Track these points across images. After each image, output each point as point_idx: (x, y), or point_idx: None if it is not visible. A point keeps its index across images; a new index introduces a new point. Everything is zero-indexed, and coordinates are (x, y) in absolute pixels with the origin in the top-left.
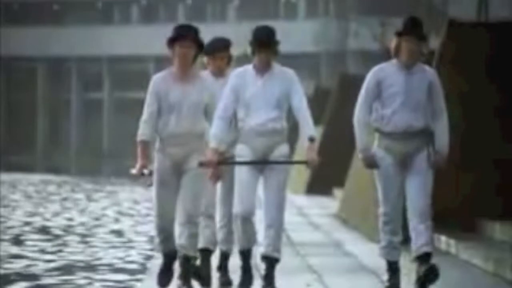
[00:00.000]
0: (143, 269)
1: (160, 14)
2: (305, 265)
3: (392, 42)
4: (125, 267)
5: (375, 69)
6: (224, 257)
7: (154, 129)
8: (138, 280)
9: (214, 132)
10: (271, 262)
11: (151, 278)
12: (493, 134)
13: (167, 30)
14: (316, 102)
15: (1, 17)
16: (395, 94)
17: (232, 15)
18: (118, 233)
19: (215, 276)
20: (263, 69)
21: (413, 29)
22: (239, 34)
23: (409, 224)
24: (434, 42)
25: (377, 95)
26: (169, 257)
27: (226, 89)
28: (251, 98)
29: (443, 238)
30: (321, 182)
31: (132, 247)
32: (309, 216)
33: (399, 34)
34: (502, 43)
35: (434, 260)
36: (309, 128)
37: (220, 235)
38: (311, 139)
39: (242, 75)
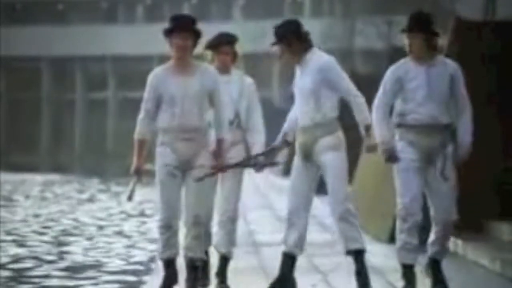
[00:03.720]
0: (147, 270)
1: (164, 13)
2: (311, 266)
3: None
4: (130, 268)
5: (393, 67)
6: (224, 261)
7: (151, 127)
8: (142, 281)
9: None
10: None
11: (156, 279)
12: (498, 134)
13: None
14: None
15: (5, 17)
16: (418, 87)
17: (237, 14)
18: (123, 233)
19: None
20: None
21: (416, 24)
22: (244, 33)
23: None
24: (441, 41)
25: (397, 92)
26: (170, 264)
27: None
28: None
29: (450, 238)
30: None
31: (136, 248)
32: (317, 217)
33: (405, 31)
34: (509, 42)
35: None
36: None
37: (218, 238)
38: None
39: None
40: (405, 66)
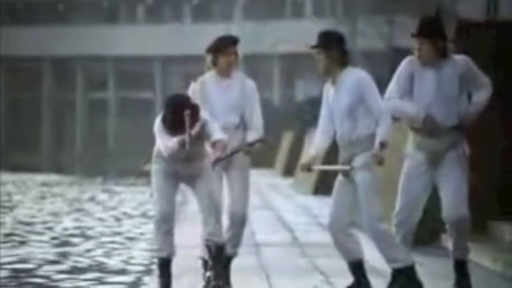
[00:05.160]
0: (147, 271)
1: (165, 14)
2: (313, 266)
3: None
4: (130, 269)
5: (409, 59)
6: (228, 261)
7: None
8: (142, 281)
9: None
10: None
11: (156, 280)
12: (499, 133)
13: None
14: None
15: (5, 17)
16: (425, 91)
17: (238, 15)
18: (123, 234)
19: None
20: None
21: (425, 29)
22: (245, 33)
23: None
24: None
25: (408, 88)
26: (165, 263)
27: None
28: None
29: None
30: (328, 183)
31: (136, 249)
32: (317, 217)
33: (414, 35)
34: (511, 43)
35: (442, 262)
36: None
37: (225, 238)
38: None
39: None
40: (417, 64)
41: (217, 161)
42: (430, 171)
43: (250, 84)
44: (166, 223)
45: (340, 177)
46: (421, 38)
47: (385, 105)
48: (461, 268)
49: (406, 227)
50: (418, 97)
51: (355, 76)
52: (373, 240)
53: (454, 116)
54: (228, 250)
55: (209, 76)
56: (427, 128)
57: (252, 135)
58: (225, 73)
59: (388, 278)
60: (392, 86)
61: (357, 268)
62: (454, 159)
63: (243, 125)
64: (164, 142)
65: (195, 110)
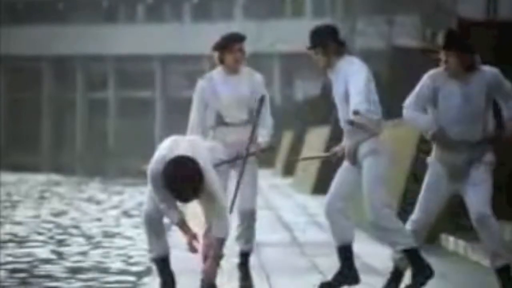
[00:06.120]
0: (147, 271)
1: (165, 13)
2: (312, 266)
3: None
4: (130, 269)
5: (433, 73)
6: (245, 257)
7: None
8: (142, 281)
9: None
10: None
11: (156, 279)
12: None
13: (173, 29)
14: (324, 101)
15: (5, 16)
16: (450, 108)
17: (239, 14)
18: (123, 234)
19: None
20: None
21: (447, 41)
22: (245, 32)
23: None
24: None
25: (431, 100)
26: (164, 265)
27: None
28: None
29: (451, 238)
30: (327, 182)
31: (136, 249)
32: (316, 216)
33: (441, 48)
34: (511, 42)
35: (442, 262)
36: None
37: (237, 233)
38: None
39: None
40: (443, 78)
41: (222, 163)
42: (451, 184)
43: (258, 78)
44: (153, 224)
45: (345, 163)
46: (448, 50)
47: (403, 113)
48: (506, 276)
49: (420, 235)
50: (444, 111)
51: (348, 64)
52: (375, 228)
53: (479, 131)
54: (242, 246)
55: (217, 73)
56: (438, 142)
57: (263, 135)
58: (232, 70)
59: (386, 276)
60: (411, 98)
61: (346, 252)
62: (477, 170)
63: (253, 120)
64: (161, 199)
65: (197, 178)
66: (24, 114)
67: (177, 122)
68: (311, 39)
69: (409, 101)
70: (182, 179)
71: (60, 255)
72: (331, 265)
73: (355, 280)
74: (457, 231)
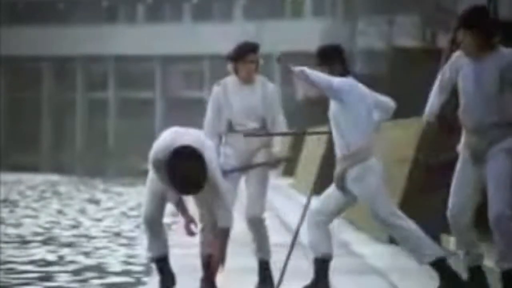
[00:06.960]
0: (147, 271)
1: (165, 13)
2: (312, 266)
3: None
4: (130, 269)
5: (457, 53)
6: (265, 264)
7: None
8: (142, 282)
9: None
10: None
11: (156, 280)
12: None
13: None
14: (323, 101)
15: (5, 17)
16: (465, 90)
17: (238, 14)
18: (123, 234)
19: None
20: None
21: (462, 20)
22: (245, 33)
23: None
24: (443, 41)
25: (454, 80)
26: (163, 264)
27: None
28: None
29: (452, 239)
30: (328, 183)
31: (136, 249)
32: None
33: (458, 27)
34: (511, 42)
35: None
36: None
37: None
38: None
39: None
40: (461, 60)
41: (233, 170)
42: (477, 168)
43: (271, 88)
44: (153, 224)
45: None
46: (463, 29)
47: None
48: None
49: (460, 224)
50: (461, 93)
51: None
52: (392, 232)
53: (495, 113)
54: (256, 254)
55: (231, 81)
56: (463, 126)
57: (279, 145)
58: (246, 79)
59: (387, 277)
60: (434, 87)
61: (324, 265)
62: (497, 155)
63: (265, 128)
64: (161, 178)
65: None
66: (24, 114)
67: (177, 122)
68: (318, 57)
69: (433, 95)
70: (187, 170)
71: (60, 255)
72: (332, 266)
73: None
74: None
